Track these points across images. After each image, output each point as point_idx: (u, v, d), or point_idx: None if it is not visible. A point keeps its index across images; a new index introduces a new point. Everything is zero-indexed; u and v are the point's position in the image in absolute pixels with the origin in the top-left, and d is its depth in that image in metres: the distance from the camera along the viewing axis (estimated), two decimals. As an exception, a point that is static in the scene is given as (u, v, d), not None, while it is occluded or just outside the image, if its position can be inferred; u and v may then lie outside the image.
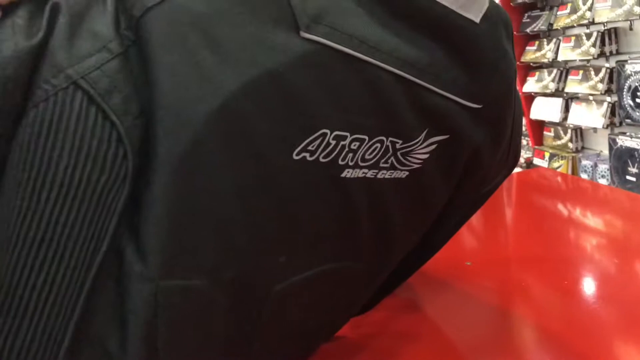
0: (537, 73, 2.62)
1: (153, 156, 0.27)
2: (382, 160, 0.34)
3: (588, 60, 2.26)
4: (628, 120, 2.06)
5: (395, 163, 0.34)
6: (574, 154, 2.47)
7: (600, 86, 2.16)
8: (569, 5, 2.30)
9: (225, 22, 0.28)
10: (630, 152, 2.06)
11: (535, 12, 2.59)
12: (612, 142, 2.15)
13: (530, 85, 2.65)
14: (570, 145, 2.51)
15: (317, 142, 0.30)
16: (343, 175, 0.32)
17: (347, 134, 0.31)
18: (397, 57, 0.32)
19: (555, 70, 2.48)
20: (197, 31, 0.28)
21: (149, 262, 0.28)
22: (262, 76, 0.28)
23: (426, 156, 0.35)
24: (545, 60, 2.50)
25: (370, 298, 0.45)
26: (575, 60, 2.32)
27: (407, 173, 0.35)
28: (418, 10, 0.32)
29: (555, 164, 2.54)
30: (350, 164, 0.32)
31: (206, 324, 0.31)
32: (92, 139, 0.27)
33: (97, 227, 0.27)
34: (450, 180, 0.38)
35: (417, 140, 0.34)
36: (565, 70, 2.43)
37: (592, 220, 0.85)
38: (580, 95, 2.32)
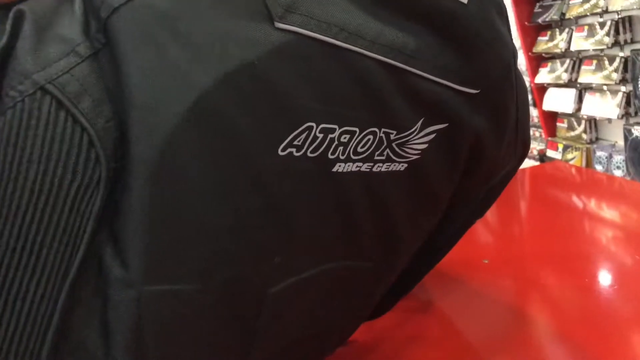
0: (549, 64, 2.59)
1: (129, 159, 0.27)
2: (377, 153, 0.32)
3: (602, 50, 2.22)
4: (643, 110, 2.03)
5: (392, 155, 0.33)
6: (588, 145, 2.44)
7: (615, 76, 2.13)
8: (582, -6, 2.26)
9: (194, 18, 0.27)
10: (646, 143, 2.03)
11: (547, 2, 2.56)
12: (627, 133, 2.12)
13: (543, 76, 2.62)
14: (584, 136, 2.48)
15: (303, 136, 0.29)
16: (334, 169, 0.31)
17: (335, 126, 0.30)
18: (382, 44, 0.30)
19: (568, 61, 2.45)
20: (165, 28, 0.27)
21: (130, 268, 0.27)
22: (237, 70, 0.27)
23: (425, 146, 0.34)
24: (558, 51, 2.47)
25: (382, 301, 0.44)
26: (588, 49, 2.28)
27: (405, 165, 0.34)
28: None
29: (569, 156, 2.51)
30: (342, 157, 0.31)
31: (197, 330, 0.30)
32: (62, 144, 0.26)
33: (72, 233, 0.27)
34: (454, 171, 0.37)
35: (413, 130, 0.33)
36: (578, 60, 2.40)
37: (610, 215, 0.84)
38: (594, 85, 2.29)
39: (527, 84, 2.80)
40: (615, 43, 2.11)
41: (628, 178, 2.11)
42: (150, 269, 0.27)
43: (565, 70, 2.45)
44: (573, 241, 0.73)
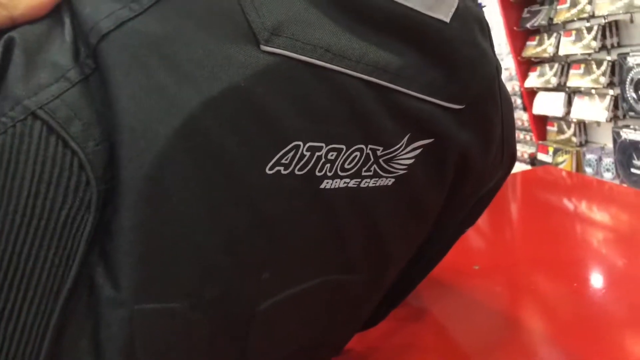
0: (538, 68, 2.61)
1: (119, 181, 0.27)
2: (364, 169, 0.33)
3: (589, 54, 2.25)
4: (631, 113, 2.05)
5: (379, 170, 0.34)
6: (578, 148, 2.47)
7: (603, 79, 2.16)
8: (569, -1, 2.29)
9: (181, 42, 0.28)
10: (634, 145, 2.05)
11: (535, 7, 2.59)
12: (616, 136, 2.14)
13: (532, 80, 2.64)
14: (574, 139, 2.50)
15: (291, 154, 0.30)
16: (322, 186, 0.32)
17: (322, 144, 0.31)
18: (366, 63, 0.31)
19: (556, 65, 2.47)
20: (153, 53, 0.28)
21: (121, 287, 0.27)
22: (224, 92, 0.28)
23: (411, 161, 0.34)
24: (547, 55, 2.50)
25: (375, 312, 0.44)
26: (576, 54, 2.31)
27: (393, 180, 0.34)
28: (385, 14, 0.32)
29: (560, 159, 2.53)
30: (329, 174, 0.32)
31: (189, 348, 0.30)
32: (54, 168, 0.26)
33: (64, 255, 0.27)
34: (441, 184, 0.37)
35: (399, 145, 0.34)
36: (566, 64, 2.43)
37: (599, 218, 0.84)
38: (582, 89, 2.31)
39: (517, 88, 2.83)
40: (603, 47, 2.14)
41: (617, 180, 2.13)
42: (141, 288, 0.27)
43: (554, 74, 2.48)
44: (563, 245, 0.74)
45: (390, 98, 0.32)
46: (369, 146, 0.32)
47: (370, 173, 0.33)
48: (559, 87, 2.46)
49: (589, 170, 2.35)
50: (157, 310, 0.28)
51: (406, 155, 0.34)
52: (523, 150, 2.89)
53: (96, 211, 0.27)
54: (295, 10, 0.30)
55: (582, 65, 2.29)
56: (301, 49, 0.29)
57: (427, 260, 0.47)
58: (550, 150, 2.61)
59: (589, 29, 2.20)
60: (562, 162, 2.50)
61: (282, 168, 0.30)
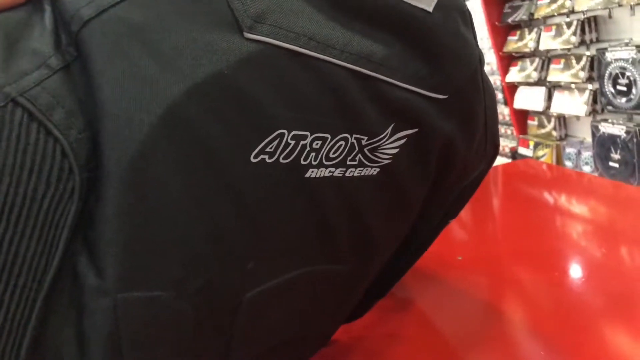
0: (519, 63, 2.64)
1: (102, 169, 0.27)
2: (349, 158, 0.33)
3: (569, 49, 2.28)
4: (610, 107, 2.09)
5: (364, 160, 0.34)
6: (558, 142, 2.50)
7: (582, 74, 2.19)
8: (549, -6, 2.32)
9: (163, 30, 0.28)
10: (612, 139, 2.09)
11: (516, 3, 2.61)
12: (594, 130, 2.18)
13: (513, 75, 2.67)
14: (554, 133, 2.54)
15: (275, 143, 0.30)
16: (307, 175, 0.32)
17: (307, 133, 0.31)
18: (350, 52, 0.31)
19: (537, 60, 2.50)
20: (135, 41, 0.27)
21: (105, 276, 0.27)
22: (207, 79, 0.28)
23: (396, 151, 0.35)
24: (527, 50, 2.53)
25: (361, 303, 0.45)
26: (556, 49, 2.34)
27: (377, 169, 0.35)
28: (368, 3, 0.32)
29: (540, 152, 2.57)
30: (314, 163, 0.32)
31: (175, 337, 0.30)
32: (35, 155, 0.26)
33: (47, 244, 0.27)
34: (425, 174, 0.38)
35: (384, 135, 0.34)
36: (547, 59, 2.46)
37: (579, 210, 0.86)
38: (562, 83, 2.35)
39: (499, 82, 2.86)
40: (582, 42, 2.17)
41: (596, 173, 2.17)
42: (125, 276, 0.27)
43: (535, 69, 2.51)
44: (544, 237, 0.75)
45: (374, 87, 0.32)
46: (354, 135, 0.32)
47: (355, 162, 0.33)
48: (540, 82, 2.49)
49: (568, 163, 2.39)
50: (141, 298, 0.28)
51: (391, 144, 0.34)
52: (504, 144, 2.93)
53: (79, 200, 0.27)
54: None
55: (562, 60, 2.33)
56: (284, 37, 0.29)
57: (412, 251, 0.47)
58: (531, 144, 2.65)
59: (569, 24, 2.23)
60: (542, 156, 2.53)
61: (266, 156, 0.30)
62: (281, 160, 0.30)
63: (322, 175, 0.32)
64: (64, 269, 0.27)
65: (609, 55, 2.04)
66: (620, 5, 1.93)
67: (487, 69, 2.99)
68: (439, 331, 0.52)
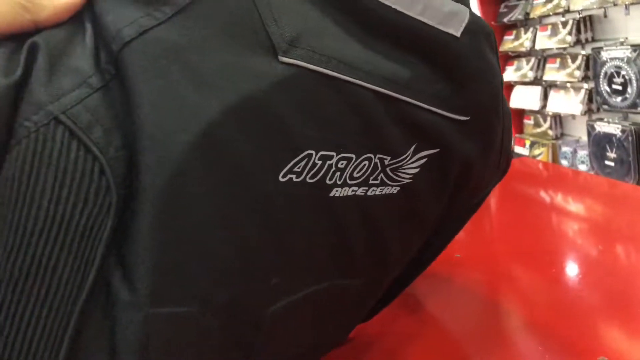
0: (515, 62, 2.66)
1: (137, 187, 0.28)
2: (372, 177, 0.34)
3: (565, 48, 2.29)
4: (605, 107, 2.10)
5: (385, 179, 0.34)
6: (554, 141, 2.52)
7: (577, 73, 2.20)
8: (545, -6, 2.33)
9: (202, 51, 0.28)
10: (608, 138, 2.10)
11: (512, 2, 2.63)
12: (590, 129, 2.19)
13: (509, 74, 2.68)
14: (550, 132, 2.55)
15: (303, 163, 0.30)
16: (332, 194, 0.32)
17: (333, 153, 0.31)
18: (377, 75, 0.32)
19: (533, 59, 2.52)
20: (174, 62, 0.28)
21: (137, 291, 0.28)
22: (243, 102, 0.28)
23: (416, 170, 0.35)
24: (523, 49, 2.54)
25: (370, 309, 0.46)
26: (552, 48, 2.36)
27: (398, 188, 0.35)
28: (396, 27, 0.32)
29: (536, 152, 2.58)
30: (339, 182, 0.32)
31: (200, 351, 0.31)
32: (75, 173, 0.27)
33: (83, 259, 0.27)
34: (442, 193, 0.38)
35: (406, 155, 0.34)
36: (542, 58, 2.47)
37: (575, 208, 0.87)
38: (558, 82, 2.36)
39: (495, 82, 2.87)
40: (577, 42, 2.18)
41: (592, 172, 2.19)
42: (156, 292, 0.28)
43: (531, 69, 2.52)
44: (541, 234, 0.76)
45: (398, 109, 0.33)
46: (377, 155, 0.33)
47: (377, 182, 0.34)
48: (536, 81, 2.51)
49: (564, 162, 2.41)
50: (171, 314, 0.28)
51: (412, 164, 0.35)
52: (501, 143, 2.94)
53: (115, 216, 0.28)
54: (311, 22, 0.30)
55: (558, 60, 2.34)
56: (317, 61, 0.30)
57: (423, 262, 0.48)
58: (527, 143, 2.66)
59: (564, 24, 2.25)
60: (538, 155, 2.55)
61: (294, 176, 0.30)
62: (307, 180, 0.31)
63: (345, 195, 0.33)
64: (98, 284, 0.28)
65: (604, 55, 2.06)
66: (615, 5, 1.94)
67: (483, 68, 3.00)
68: (435, 327, 0.53)
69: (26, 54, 0.28)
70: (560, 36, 2.27)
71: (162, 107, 0.27)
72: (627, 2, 1.88)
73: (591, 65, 2.15)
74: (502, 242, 0.75)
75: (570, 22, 2.20)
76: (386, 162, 0.34)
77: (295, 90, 0.30)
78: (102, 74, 0.28)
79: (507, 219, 0.87)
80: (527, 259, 0.66)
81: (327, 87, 0.30)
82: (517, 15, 2.53)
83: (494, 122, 0.39)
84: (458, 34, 0.34)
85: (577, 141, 2.41)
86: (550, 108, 2.43)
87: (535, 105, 2.52)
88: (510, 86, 2.71)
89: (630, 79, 1.94)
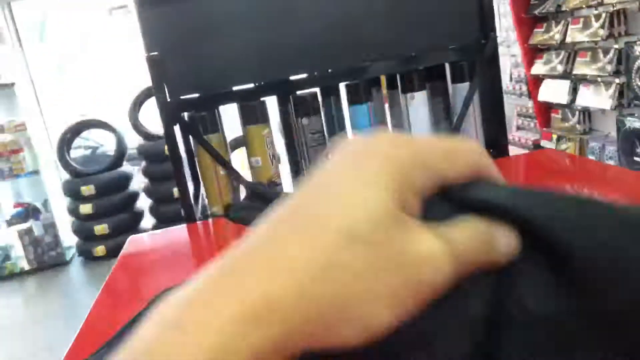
0: (545, 55, 2.62)
1: None
2: None
3: (596, 42, 2.25)
4: (636, 102, 2.07)
5: None
6: (581, 136, 2.48)
7: (609, 67, 2.17)
8: (578, -14, 2.29)
9: None
10: (638, 134, 2.07)
11: (544, -6, 2.58)
12: (620, 124, 2.16)
13: (538, 67, 2.65)
14: (578, 127, 2.51)
15: None
16: None
17: None
18: None
19: (563, 52, 2.48)
20: None
21: None
22: None
23: None
24: (554, 42, 2.50)
25: None
26: (583, 41, 2.32)
27: None
28: None
29: (563, 146, 2.55)
30: None
31: None
32: None
33: None
34: None
35: None
36: (573, 52, 2.43)
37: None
38: (588, 76, 2.32)
39: (523, 75, 2.83)
40: (610, 35, 2.14)
41: (620, 168, 2.15)
42: None
43: (560, 62, 2.48)
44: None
45: None
46: None
47: None
48: (565, 75, 2.47)
49: (592, 157, 2.37)
50: None
51: None
52: (527, 137, 2.91)
53: None
54: None
55: (589, 53, 2.30)
56: None
57: None
58: (554, 137, 2.63)
59: (597, 17, 2.21)
60: (565, 150, 2.51)
61: None
62: None
63: None
64: None
65: (637, 49, 2.02)
66: (650, -2, 1.90)
67: (512, 61, 2.96)
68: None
69: None
70: (592, 29, 2.23)
71: None
72: (663, -5, 1.84)
73: (623, 60, 2.11)
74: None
75: (604, 15, 2.16)
76: None
77: None
78: None
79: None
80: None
81: None
82: (548, 7, 2.49)
83: None
84: None
85: (606, 136, 2.37)
86: (580, 102, 2.39)
87: (564, 99, 2.48)
88: (539, 79, 2.67)
89: (663, 74, 1.90)
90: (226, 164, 1.15)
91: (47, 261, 3.52)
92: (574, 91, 2.44)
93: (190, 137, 1.19)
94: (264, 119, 1.16)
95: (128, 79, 4.11)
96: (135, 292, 0.85)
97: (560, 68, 2.47)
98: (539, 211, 0.24)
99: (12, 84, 3.38)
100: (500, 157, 1.23)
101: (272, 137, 1.18)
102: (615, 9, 2.12)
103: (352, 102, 1.21)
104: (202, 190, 1.23)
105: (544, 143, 2.70)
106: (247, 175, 1.20)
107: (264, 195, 0.87)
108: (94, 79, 5.15)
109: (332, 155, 0.24)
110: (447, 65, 1.27)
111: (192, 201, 1.18)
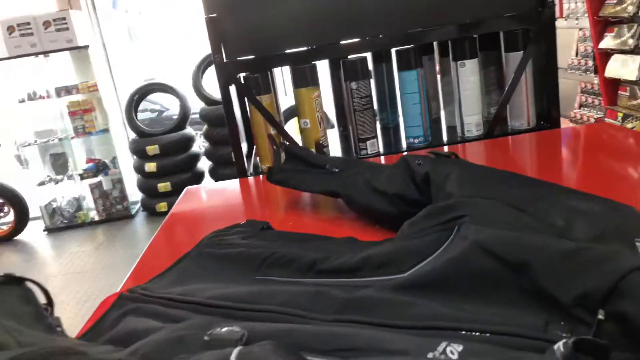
0: (615, 29, 2.49)
1: None
2: None
3: (673, 15, 2.12)
4: None
5: None
6: (649, 115, 2.37)
7: (685, 43, 2.04)
8: (657, -46, 2.15)
9: None
10: None
11: (619, -38, 2.44)
12: (691, 103, 2.04)
13: (608, 41, 2.52)
14: (646, 105, 2.40)
15: None
16: None
17: None
18: None
19: (635, 26, 2.35)
20: None
21: None
22: None
23: None
24: (626, 15, 2.37)
25: None
26: (659, 14, 2.19)
27: None
28: None
29: (629, 125, 2.44)
30: None
31: None
32: None
33: None
34: None
35: None
36: (647, 25, 2.30)
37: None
38: (661, 52, 2.20)
39: (590, 49, 2.71)
40: (688, 8, 2.01)
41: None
42: None
43: (632, 36, 2.36)
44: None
45: None
46: None
47: None
48: (636, 50, 2.35)
49: (658, 138, 2.26)
50: None
51: None
52: (590, 114, 2.80)
53: None
54: None
55: (664, 27, 2.17)
56: None
57: None
58: (619, 115, 2.51)
59: (676, -12, 2.07)
60: (632, 130, 2.41)
61: None
62: None
63: None
64: None
65: None
66: None
67: (579, 34, 2.83)
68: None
69: None
70: (669, 1, 2.10)
71: None
72: None
73: (701, 34, 1.98)
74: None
75: (683, -15, 2.03)
76: None
77: None
78: None
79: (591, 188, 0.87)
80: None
81: None
82: (623, -23, 2.36)
83: None
84: None
85: (676, 116, 2.25)
86: (650, 79, 2.28)
87: (633, 76, 2.36)
88: (607, 54, 2.55)
89: None
90: (276, 124, 1.21)
91: (114, 214, 3.78)
92: (645, 67, 2.32)
93: (245, 97, 1.26)
94: (314, 81, 1.21)
95: (193, 45, 4.25)
96: (188, 232, 0.94)
97: (631, 42, 2.35)
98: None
99: (87, 47, 3.58)
100: (552, 129, 1.21)
101: (321, 100, 1.22)
102: (696, -21, 1.98)
103: (402, 68, 1.23)
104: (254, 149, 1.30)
105: (608, 121, 2.59)
106: (297, 137, 1.25)
107: (301, 157, 0.92)
108: (162, 45, 5.34)
109: None
110: (501, 34, 1.26)
111: (245, 158, 1.25)
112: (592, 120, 2.74)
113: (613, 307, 0.34)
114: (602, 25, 2.57)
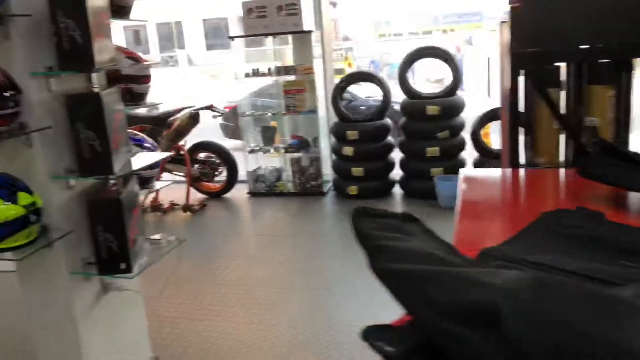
0: None
1: None
2: None
3: None
4: None
5: None
6: None
7: None
8: None
9: None
10: None
11: None
12: None
13: None
14: None
15: None
16: None
17: None
18: None
19: None
20: None
21: None
22: None
23: None
24: None
25: None
26: None
27: None
28: None
29: None
30: None
31: None
32: None
33: None
34: None
35: None
36: None
37: None
38: None
39: None
40: None
41: None
42: None
43: None
44: None
45: None
46: None
47: None
48: None
49: None
50: None
51: None
52: None
53: None
54: None
55: None
56: None
57: None
58: None
59: None
60: None
61: None
62: None
63: None
64: None
65: None
66: None
67: None
68: None
69: None
70: None
71: None
72: None
73: None
74: None
75: None
76: None
77: None
78: None
79: None
80: None
81: None
82: None
83: None
84: None
85: None
86: None
87: None
88: None
89: None
90: (562, 118, 1.19)
91: (308, 189, 4.06)
92: None
93: (533, 87, 1.26)
94: (610, 80, 1.16)
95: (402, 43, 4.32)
96: (487, 212, 0.97)
97: None
98: None
99: (310, 32, 3.88)
100: None
101: (614, 101, 1.18)
102: None
103: None
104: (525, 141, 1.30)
105: None
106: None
107: (616, 151, 0.89)
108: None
109: None
110: None
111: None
112: None
113: None
114: None
